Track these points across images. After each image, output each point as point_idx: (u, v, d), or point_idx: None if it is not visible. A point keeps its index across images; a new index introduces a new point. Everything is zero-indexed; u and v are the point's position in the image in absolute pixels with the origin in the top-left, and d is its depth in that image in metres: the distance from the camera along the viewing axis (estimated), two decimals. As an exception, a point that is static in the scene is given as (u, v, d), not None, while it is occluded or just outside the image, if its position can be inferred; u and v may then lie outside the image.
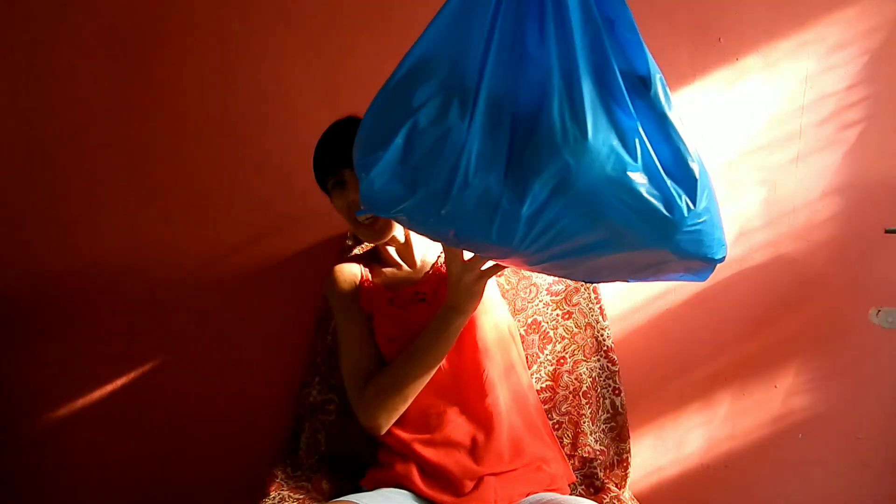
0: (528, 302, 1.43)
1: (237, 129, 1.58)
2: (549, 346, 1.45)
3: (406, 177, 0.87)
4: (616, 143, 0.82)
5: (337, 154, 1.20)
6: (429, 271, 1.31)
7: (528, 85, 0.85)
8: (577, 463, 1.42)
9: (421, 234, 0.98)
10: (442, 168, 0.86)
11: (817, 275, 1.56)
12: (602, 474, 1.42)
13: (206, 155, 1.58)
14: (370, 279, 1.30)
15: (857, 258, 1.55)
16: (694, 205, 0.84)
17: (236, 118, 1.58)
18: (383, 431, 1.19)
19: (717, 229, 0.89)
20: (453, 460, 1.17)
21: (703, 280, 0.96)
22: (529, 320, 1.43)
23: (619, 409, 1.44)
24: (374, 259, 1.36)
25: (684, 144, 0.85)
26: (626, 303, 1.57)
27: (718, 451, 1.60)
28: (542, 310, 1.44)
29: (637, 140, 0.83)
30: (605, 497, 1.35)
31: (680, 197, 0.83)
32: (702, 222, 0.85)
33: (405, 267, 1.33)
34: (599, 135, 0.81)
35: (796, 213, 1.55)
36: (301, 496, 1.27)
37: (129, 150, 1.59)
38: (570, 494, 1.30)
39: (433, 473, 1.18)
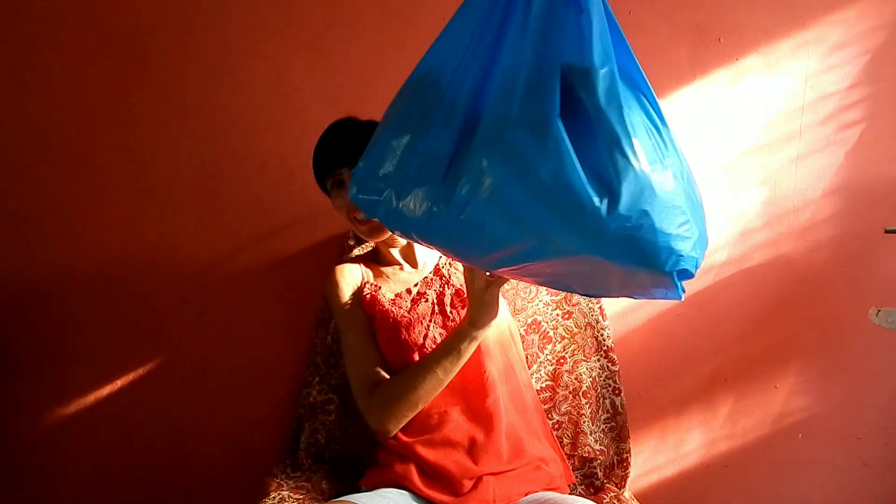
0: (528, 302, 1.43)
1: (237, 130, 1.58)
2: (549, 346, 1.45)
3: (376, 183, 0.92)
4: (532, 140, 0.78)
5: (335, 154, 1.21)
6: (430, 272, 1.30)
7: (489, 87, 0.85)
8: (576, 463, 1.42)
9: (402, 237, 1.00)
10: (399, 172, 0.89)
11: (817, 275, 1.55)
12: (602, 474, 1.42)
13: (206, 155, 1.58)
14: (371, 280, 1.30)
15: (857, 258, 1.54)
16: (615, 207, 0.77)
17: (236, 118, 1.58)
18: (392, 435, 1.20)
19: (663, 236, 0.79)
20: (452, 460, 1.17)
21: (677, 299, 0.87)
22: (529, 320, 1.43)
23: (619, 409, 1.44)
24: (375, 260, 1.36)
25: (617, 141, 0.78)
26: (626, 302, 1.57)
27: (718, 451, 1.60)
28: (542, 310, 1.44)
29: (556, 136, 0.77)
30: (605, 497, 1.35)
31: (601, 198, 0.77)
32: (633, 227, 0.78)
33: (407, 267, 1.33)
34: (516, 132, 0.78)
35: (796, 213, 1.55)
36: (301, 496, 1.27)
37: (129, 151, 1.59)
38: (570, 494, 1.30)
39: (432, 473, 1.18)
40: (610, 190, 0.77)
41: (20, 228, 1.60)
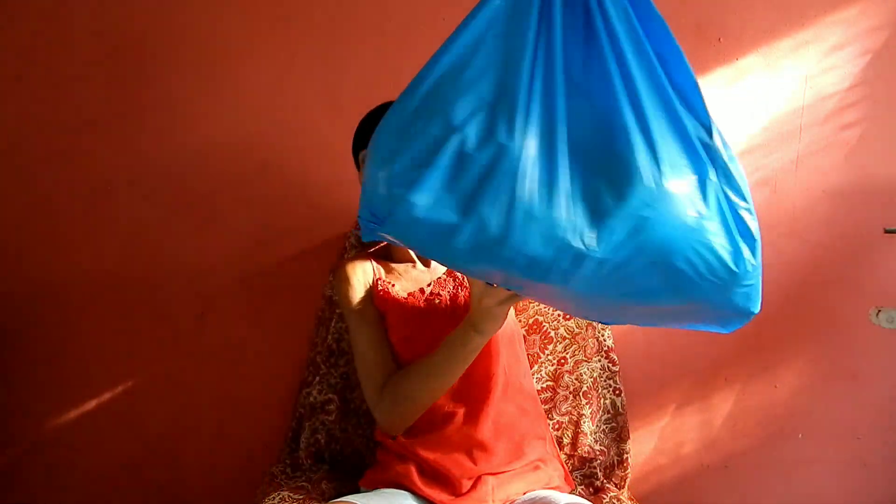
0: (530, 302, 1.43)
1: (237, 131, 1.58)
2: (550, 347, 1.44)
3: (455, 202, 0.79)
4: (692, 188, 0.79)
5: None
6: (444, 272, 1.29)
7: (583, 112, 0.81)
8: (576, 463, 1.42)
9: (444, 265, 0.97)
10: (499, 195, 0.77)
11: (817, 275, 1.55)
12: (602, 474, 1.42)
13: (206, 155, 1.58)
14: (383, 276, 1.28)
15: (857, 258, 1.54)
16: (755, 260, 0.82)
17: (236, 120, 1.57)
18: (398, 433, 1.20)
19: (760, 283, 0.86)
20: (452, 460, 1.17)
21: (728, 331, 0.90)
22: (531, 320, 1.43)
23: (620, 410, 1.44)
24: (386, 256, 1.33)
25: (745, 197, 0.82)
26: (626, 303, 1.57)
27: (718, 451, 1.60)
28: (543, 310, 1.44)
29: (711, 186, 0.80)
30: (605, 497, 1.35)
31: (741, 251, 0.80)
32: (755, 277, 0.83)
33: (420, 266, 1.30)
34: (675, 177, 0.78)
35: (796, 213, 1.55)
36: (301, 496, 1.27)
37: (129, 152, 1.58)
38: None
39: (432, 473, 1.18)
40: (749, 243, 0.83)
41: (19, 231, 1.60)
